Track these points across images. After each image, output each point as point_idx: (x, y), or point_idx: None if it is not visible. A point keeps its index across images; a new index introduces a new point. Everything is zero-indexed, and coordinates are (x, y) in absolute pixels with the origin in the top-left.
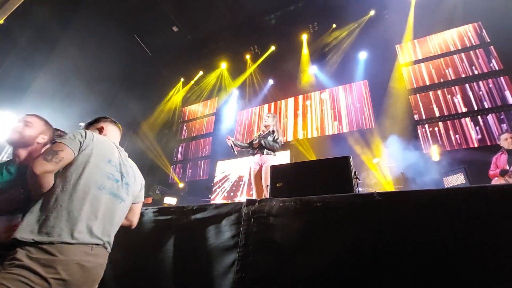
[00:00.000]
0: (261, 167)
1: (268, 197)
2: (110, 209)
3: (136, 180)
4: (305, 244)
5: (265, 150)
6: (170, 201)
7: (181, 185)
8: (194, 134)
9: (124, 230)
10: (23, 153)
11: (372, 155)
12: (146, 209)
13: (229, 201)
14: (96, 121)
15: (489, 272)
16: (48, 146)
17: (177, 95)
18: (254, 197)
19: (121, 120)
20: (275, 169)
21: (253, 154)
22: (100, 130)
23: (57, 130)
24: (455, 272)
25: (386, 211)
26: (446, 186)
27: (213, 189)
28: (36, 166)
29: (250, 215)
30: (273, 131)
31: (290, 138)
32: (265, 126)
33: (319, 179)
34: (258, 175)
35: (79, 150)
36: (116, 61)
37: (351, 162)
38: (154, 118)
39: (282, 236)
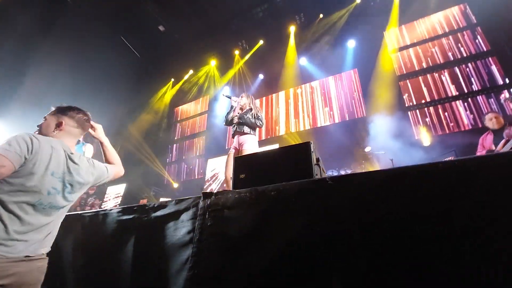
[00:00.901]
0: (238, 150)
1: (230, 189)
2: (47, 222)
3: (85, 181)
4: (259, 235)
5: (245, 128)
6: None
7: (175, 185)
8: (188, 133)
9: (89, 235)
10: None
11: (363, 144)
12: (111, 210)
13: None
14: (64, 111)
15: (442, 252)
16: None
17: (167, 95)
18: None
19: (112, 122)
20: (238, 160)
21: (232, 136)
22: (59, 125)
23: None
24: (409, 252)
25: (338, 195)
26: None
27: (205, 187)
28: None
29: (205, 208)
30: (251, 108)
31: (282, 132)
32: (241, 109)
33: (281, 167)
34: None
35: (21, 165)
36: (104, 64)
37: (312, 148)
38: (146, 119)
39: (236, 229)
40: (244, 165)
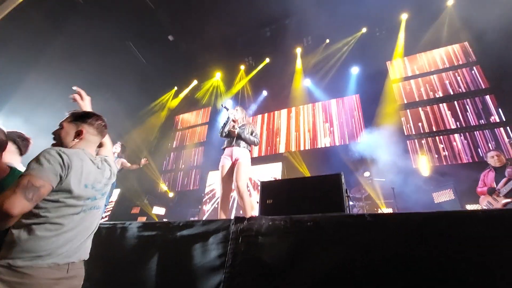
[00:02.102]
0: (233, 163)
1: (258, 215)
2: (88, 224)
3: (110, 180)
4: (294, 264)
5: (242, 143)
6: (158, 211)
7: (170, 194)
8: (186, 143)
9: (106, 247)
10: None
11: (362, 169)
12: (130, 224)
13: (217, 219)
14: (83, 119)
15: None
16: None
17: (170, 103)
18: (219, 195)
19: (112, 127)
20: (265, 185)
21: (226, 147)
22: (79, 134)
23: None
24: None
25: (376, 232)
26: (435, 202)
27: (204, 200)
28: (13, 205)
29: (238, 233)
30: (244, 124)
31: (282, 149)
32: (234, 121)
33: (310, 196)
34: (229, 172)
35: (57, 183)
36: (109, 68)
37: (343, 180)
38: (146, 126)
39: (270, 256)
40: (272, 190)
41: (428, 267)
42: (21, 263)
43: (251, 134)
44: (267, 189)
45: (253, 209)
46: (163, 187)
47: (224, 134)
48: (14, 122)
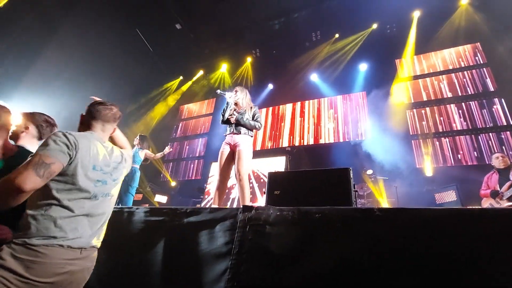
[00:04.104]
0: (232, 149)
1: (265, 205)
2: (100, 211)
3: (125, 168)
4: (301, 255)
5: (243, 129)
6: (160, 199)
7: (173, 183)
8: (190, 133)
9: (113, 231)
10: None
11: (366, 166)
12: (137, 208)
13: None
14: (90, 117)
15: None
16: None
17: (175, 92)
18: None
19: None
20: (273, 176)
21: (226, 134)
22: (87, 126)
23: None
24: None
25: (385, 226)
26: (437, 202)
27: (206, 191)
28: (26, 181)
29: (245, 222)
30: (245, 109)
31: (285, 143)
32: (236, 104)
33: (318, 189)
34: (228, 158)
35: (68, 163)
36: (115, 54)
37: (351, 174)
38: (150, 114)
39: (277, 245)
40: (279, 181)
41: (435, 263)
42: (36, 241)
43: (253, 118)
44: (275, 180)
45: (249, 199)
46: (166, 175)
47: (223, 121)
48: (31, 102)
